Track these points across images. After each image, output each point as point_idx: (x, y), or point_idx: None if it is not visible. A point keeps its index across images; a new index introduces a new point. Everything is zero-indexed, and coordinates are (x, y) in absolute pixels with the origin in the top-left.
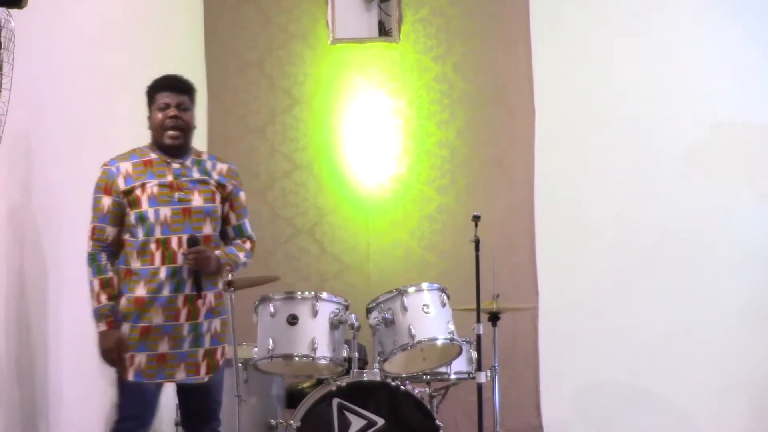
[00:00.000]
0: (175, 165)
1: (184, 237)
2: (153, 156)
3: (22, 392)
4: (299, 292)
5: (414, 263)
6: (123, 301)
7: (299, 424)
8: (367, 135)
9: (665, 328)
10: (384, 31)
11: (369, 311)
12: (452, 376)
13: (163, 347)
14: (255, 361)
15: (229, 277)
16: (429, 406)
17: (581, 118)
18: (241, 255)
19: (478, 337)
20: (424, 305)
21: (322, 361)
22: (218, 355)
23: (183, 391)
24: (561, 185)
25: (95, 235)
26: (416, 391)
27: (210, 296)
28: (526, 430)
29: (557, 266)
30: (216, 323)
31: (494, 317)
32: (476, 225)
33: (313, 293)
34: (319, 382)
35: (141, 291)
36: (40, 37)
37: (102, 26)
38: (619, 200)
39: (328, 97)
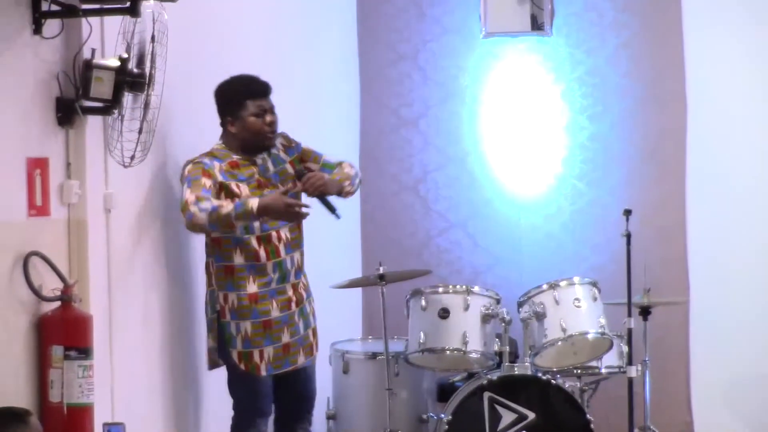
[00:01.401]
0: (258, 161)
1: (282, 230)
2: (235, 157)
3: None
4: (451, 286)
5: (566, 257)
6: (234, 298)
7: (450, 417)
8: (520, 129)
9: None
10: (536, 25)
11: (520, 305)
12: (603, 370)
13: (286, 337)
14: (406, 355)
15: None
16: (580, 401)
17: (733, 111)
18: (345, 167)
19: (629, 331)
20: (576, 299)
21: (474, 355)
22: (317, 333)
23: (288, 378)
24: (713, 178)
25: (199, 197)
26: (567, 385)
27: (302, 278)
28: (677, 426)
29: (709, 260)
30: (311, 300)
31: (645, 311)
32: (627, 219)
33: (464, 287)
34: (470, 376)
35: (252, 287)
36: (192, 30)
37: (253, 21)
38: None
39: (481, 91)
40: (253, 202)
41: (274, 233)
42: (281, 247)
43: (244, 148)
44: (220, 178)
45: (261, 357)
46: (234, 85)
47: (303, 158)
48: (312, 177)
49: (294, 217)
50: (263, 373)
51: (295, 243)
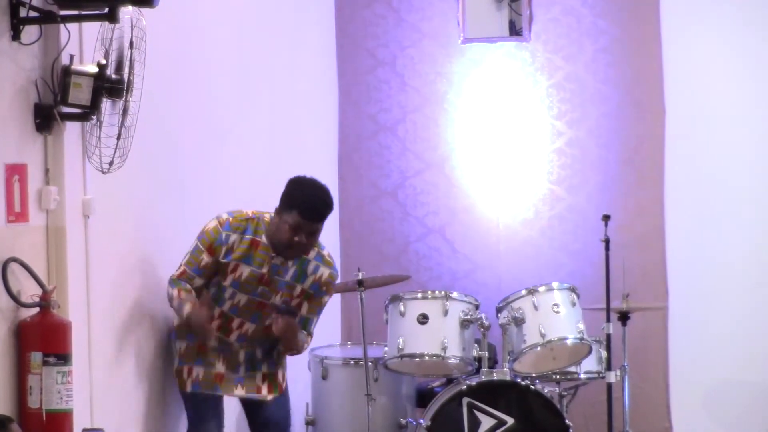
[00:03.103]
0: (276, 261)
1: (247, 324)
2: (263, 241)
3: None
4: (429, 292)
5: (544, 262)
6: (177, 319)
7: (429, 423)
8: (498, 134)
9: None
10: (515, 31)
11: (499, 310)
12: (582, 376)
13: (220, 367)
14: (385, 361)
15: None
16: (558, 406)
17: (712, 117)
18: (306, 346)
19: (608, 336)
20: (554, 304)
21: (452, 361)
22: (279, 378)
23: (253, 403)
24: (691, 184)
25: (184, 276)
26: (546, 391)
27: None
28: (656, 431)
29: (687, 265)
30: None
31: (624, 317)
32: (606, 224)
33: (443, 292)
34: (450, 382)
35: None
36: (170, 35)
37: (233, 26)
38: (750, 199)
39: (459, 97)
40: (187, 310)
41: (237, 320)
42: (233, 336)
43: (272, 243)
44: (223, 259)
45: (189, 374)
46: (299, 193)
47: (311, 299)
48: (289, 329)
49: (200, 334)
50: (188, 389)
51: (252, 339)
